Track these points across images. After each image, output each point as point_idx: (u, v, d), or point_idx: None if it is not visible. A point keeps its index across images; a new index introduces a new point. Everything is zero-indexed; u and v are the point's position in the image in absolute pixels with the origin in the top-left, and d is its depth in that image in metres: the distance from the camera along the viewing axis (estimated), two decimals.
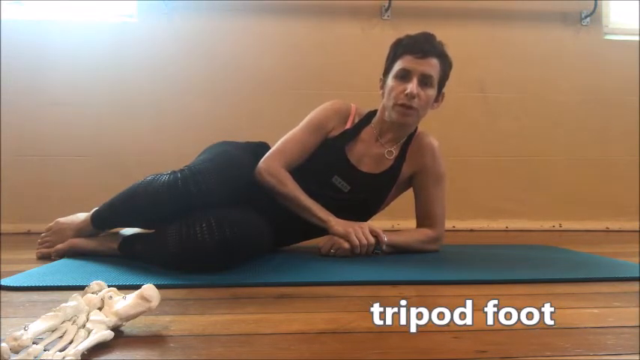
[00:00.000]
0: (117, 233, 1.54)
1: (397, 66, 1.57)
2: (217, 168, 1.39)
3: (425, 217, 1.69)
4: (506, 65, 2.77)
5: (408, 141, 1.68)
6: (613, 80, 2.80)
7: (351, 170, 1.62)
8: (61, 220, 1.59)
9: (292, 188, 1.56)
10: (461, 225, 2.65)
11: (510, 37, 2.77)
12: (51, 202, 2.45)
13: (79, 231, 1.54)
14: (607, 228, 2.75)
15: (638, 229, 2.69)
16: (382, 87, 1.65)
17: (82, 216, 1.56)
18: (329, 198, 1.60)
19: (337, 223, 1.54)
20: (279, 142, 1.64)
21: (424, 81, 1.55)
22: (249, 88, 2.64)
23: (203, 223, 1.27)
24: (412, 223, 1.75)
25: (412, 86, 1.53)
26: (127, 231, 1.55)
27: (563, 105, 2.79)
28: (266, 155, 1.61)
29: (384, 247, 1.56)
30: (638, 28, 2.81)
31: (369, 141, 1.66)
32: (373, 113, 1.70)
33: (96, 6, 2.63)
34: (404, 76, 1.55)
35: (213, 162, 1.42)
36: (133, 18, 2.64)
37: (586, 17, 2.78)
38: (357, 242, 1.49)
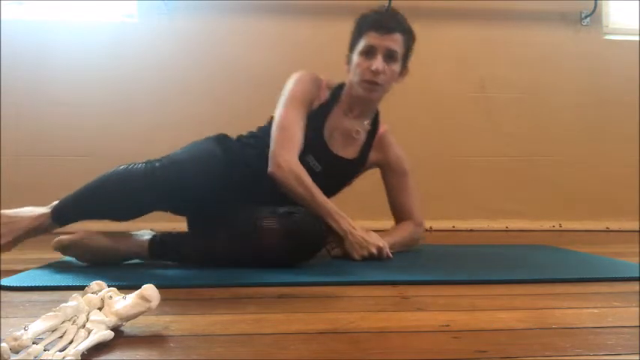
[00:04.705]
0: (131, 235, 1.43)
1: (362, 42, 1.58)
2: (193, 160, 1.38)
3: (400, 210, 1.74)
4: (506, 65, 2.76)
5: (374, 129, 1.70)
6: (613, 80, 2.80)
7: (324, 151, 1.62)
8: (8, 213, 1.37)
9: (310, 185, 1.50)
10: (461, 225, 2.65)
11: (510, 37, 2.77)
12: (51, 203, 2.44)
13: (35, 229, 1.38)
14: (607, 228, 2.75)
15: (638, 229, 2.68)
16: (348, 63, 1.66)
17: (37, 211, 1.40)
18: None
19: (353, 236, 1.50)
20: (278, 129, 1.55)
21: (389, 55, 1.56)
22: (249, 88, 2.64)
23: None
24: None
25: (377, 62, 1.54)
26: (143, 233, 1.44)
27: (562, 105, 2.79)
28: (277, 147, 1.53)
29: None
30: (638, 28, 2.81)
31: (339, 115, 1.66)
32: (341, 87, 1.69)
33: (96, 6, 2.63)
34: (369, 52, 1.57)
35: (189, 153, 1.42)
36: (133, 18, 2.64)
37: (586, 17, 2.78)
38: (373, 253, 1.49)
